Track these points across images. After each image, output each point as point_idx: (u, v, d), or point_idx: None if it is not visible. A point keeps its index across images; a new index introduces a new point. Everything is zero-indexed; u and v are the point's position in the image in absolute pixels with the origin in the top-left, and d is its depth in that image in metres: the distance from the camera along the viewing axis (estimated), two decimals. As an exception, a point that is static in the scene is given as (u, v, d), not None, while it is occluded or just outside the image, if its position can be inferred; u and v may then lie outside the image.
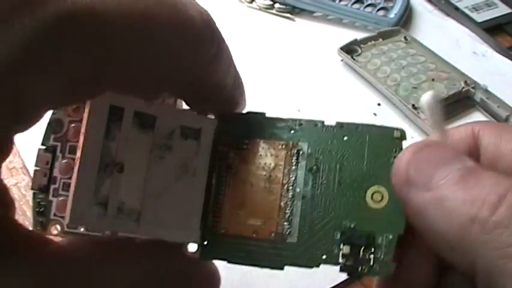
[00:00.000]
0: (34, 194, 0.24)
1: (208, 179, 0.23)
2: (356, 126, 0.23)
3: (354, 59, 0.51)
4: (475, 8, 0.59)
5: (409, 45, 0.53)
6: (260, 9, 0.58)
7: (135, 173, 0.22)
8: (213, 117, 0.24)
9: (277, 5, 0.58)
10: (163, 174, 0.23)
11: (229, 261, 0.22)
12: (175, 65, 0.20)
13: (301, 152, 0.23)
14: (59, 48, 0.17)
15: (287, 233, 0.22)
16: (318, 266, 0.22)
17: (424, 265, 0.20)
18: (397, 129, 0.22)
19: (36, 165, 0.24)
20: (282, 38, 0.55)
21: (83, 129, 0.21)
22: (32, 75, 0.17)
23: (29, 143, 0.45)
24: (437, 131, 0.21)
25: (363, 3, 0.57)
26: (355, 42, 0.53)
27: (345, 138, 0.23)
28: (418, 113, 0.46)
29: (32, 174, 0.24)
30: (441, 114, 0.20)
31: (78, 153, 0.21)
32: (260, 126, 0.24)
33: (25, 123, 0.18)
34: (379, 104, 0.49)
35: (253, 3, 0.58)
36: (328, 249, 0.22)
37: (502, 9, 0.59)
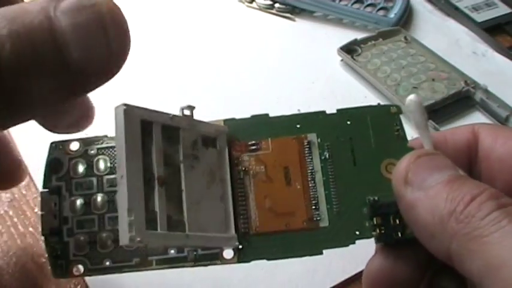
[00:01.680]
0: (46, 239, 0.24)
1: (231, 184, 0.24)
2: (356, 109, 0.25)
3: (354, 59, 0.51)
4: (475, 8, 0.59)
5: (409, 45, 0.53)
6: (260, 9, 0.58)
7: (173, 185, 0.22)
8: (222, 125, 0.25)
9: (277, 5, 0.58)
10: (197, 183, 0.23)
11: (268, 259, 0.23)
12: None
13: (312, 143, 0.24)
14: None
15: (318, 219, 0.23)
16: (354, 242, 0.23)
17: (410, 262, 0.23)
18: (392, 105, 0.25)
19: (41, 210, 0.24)
20: (282, 38, 0.55)
21: (121, 144, 0.21)
22: None
23: (29, 143, 0.45)
24: (419, 133, 0.23)
25: (363, 3, 0.57)
26: (355, 42, 0.53)
27: (348, 122, 0.24)
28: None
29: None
30: (424, 117, 0.23)
31: (121, 171, 0.20)
32: (266, 126, 0.25)
33: None
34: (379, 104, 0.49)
35: (253, 3, 0.58)
36: (360, 224, 0.23)
37: (502, 9, 0.59)
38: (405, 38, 0.54)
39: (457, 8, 0.59)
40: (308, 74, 0.51)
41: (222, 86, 0.49)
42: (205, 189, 0.23)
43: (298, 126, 0.25)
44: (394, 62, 0.51)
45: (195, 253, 0.23)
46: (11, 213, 0.39)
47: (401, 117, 0.25)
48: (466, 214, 0.19)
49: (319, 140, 0.24)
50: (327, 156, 0.24)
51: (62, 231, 0.24)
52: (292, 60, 0.52)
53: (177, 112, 0.24)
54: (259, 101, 0.48)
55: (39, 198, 0.24)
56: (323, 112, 0.25)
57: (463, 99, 0.48)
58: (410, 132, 0.24)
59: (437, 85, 0.49)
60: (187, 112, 0.24)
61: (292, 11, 0.58)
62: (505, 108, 0.47)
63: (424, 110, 0.23)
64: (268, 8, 0.58)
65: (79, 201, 0.24)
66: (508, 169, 0.23)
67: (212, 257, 0.23)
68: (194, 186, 0.23)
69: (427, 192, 0.20)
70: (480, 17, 0.58)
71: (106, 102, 0.26)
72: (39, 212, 0.24)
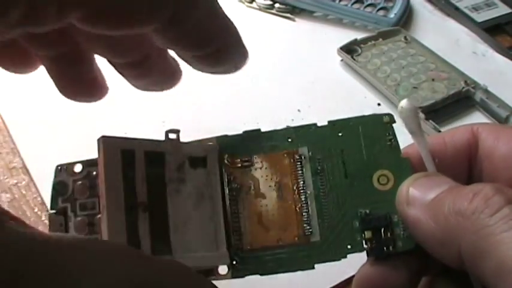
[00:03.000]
0: None
1: (223, 201, 0.24)
2: (348, 120, 0.24)
3: (354, 59, 0.51)
4: (475, 8, 0.59)
5: (409, 45, 0.53)
6: (260, 9, 0.58)
7: (159, 209, 0.23)
8: (213, 143, 0.25)
9: (277, 5, 0.58)
10: (182, 206, 0.23)
11: (261, 274, 0.23)
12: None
13: (303, 157, 0.24)
14: None
15: (309, 233, 0.23)
16: (345, 256, 0.23)
17: (401, 272, 0.22)
18: (385, 114, 0.24)
19: (50, 230, 0.24)
20: (282, 38, 0.55)
21: (101, 177, 0.21)
22: None
23: (29, 143, 0.45)
24: (414, 139, 0.23)
25: (363, 3, 0.57)
26: (355, 42, 0.53)
27: (340, 134, 0.24)
28: (418, 112, 0.45)
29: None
30: (417, 121, 0.23)
31: (103, 202, 0.21)
32: (257, 141, 0.25)
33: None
34: (379, 104, 0.49)
35: (253, 3, 0.58)
36: (351, 238, 0.23)
37: (502, 9, 0.59)
38: (405, 38, 0.54)
39: (457, 8, 0.59)
40: (308, 74, 0.51)
41: (222, 86, 0.49)
42: (192, 210, 0.24)
43: (289, 140, 0.24)
44: (394, 62, 0.51)
45: None
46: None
47: (398, 120, 0.24)
48: (472, 210, 0.19)
49: (310, 153, 0.24)
50: (318, 169, 0.24)
51: None
52: (292, 60, 0.52)
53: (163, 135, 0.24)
54: (259, 101, 0.48)
55: (46, 221, 0.25)
56: (314, 124, 0.24)
57: (463, 99, 0.48)
58: (408, 138, 0.24)
59: (437, 85, 0.49)
60: (172, 136, 0.24)
61: (292, 11, 0.58)
62: (505, 108, 0.47)
63: (417, 115, 0.23)
64: (268, 8, 0.58)
65: (83, 221, 0.24)
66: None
67: (207, 273, 0.23)
68: (180, 209, 0.23)
69: (429, 204, 0.20)
70: (480, 17, 0.58)
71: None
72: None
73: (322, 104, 0.48)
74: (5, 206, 0.39)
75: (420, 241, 0.21)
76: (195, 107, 0.47)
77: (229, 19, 0.23)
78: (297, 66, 0.52)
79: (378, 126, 0.24)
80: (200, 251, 0.23)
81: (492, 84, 0.48)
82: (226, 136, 0.25)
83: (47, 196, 0.37)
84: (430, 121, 0.45)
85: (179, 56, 0.23)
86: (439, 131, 0.44)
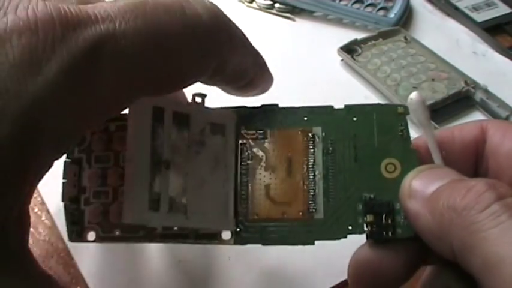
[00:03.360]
0: (65, 206, 0.25)
1: (235, 171, 0.25)
2: (363, 106, 0.25)
3: (354, 59, 0.51)
4: (475, 8, 0.59)
5: (409, 45, 0.53)
6: (260, 9, 0.58)
7: (178, 168, 0.24)
8: (232, 113, 0.26)
9: (277, 5, 0.58)
10: (201, 168, 0.24)
11: (263, 244, 0.24)
12: (193, 60, 0.22)
13: (316, 136, 0.25)
14: (96, 71, 0.19)
15: (313, 210, 0.24)
16: (345, 236, 0.23)
17: (397, 259, 0.23)
18: (400, 105, 0.25)
19: (64, 178, 0.25)
20: (282, 38, 0.55)
21: (130, 131, 0.22)
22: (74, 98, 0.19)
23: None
24: (423, 131, 0.23)
25: (363, 3, 0.57)
26: (355, 42, 0.53)
27: (354, 118, 0.25)
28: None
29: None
30: (427, 114, 0.23)
31: (130, 154, 0.22)
32: (275, 116, 0.26)
33: (67, 149, 0.21)
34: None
35: (253, 3, 0.58)
36: (353, 220, 0.23)
37: (502, 9, 0.59)
38: (405, 38, 0.54)
39: (457, 8, 0.59)
40: (308, 74, 0.51)
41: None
42: (209, 174, 0.24)
43: (305, 119, 0.25)
44: (394, 62, 0.51)
45: (191, 227, 0.24)
46: (10, 213, 0.39)
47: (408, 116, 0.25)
48: (463, 206, 0.19)
49: (323, 134, 0.25)
50: (330, 150, 0.24)
51: (79, 199, 0.25)
52: (292, 60, 0.52)
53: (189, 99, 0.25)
54: (259, 101, 0.48)
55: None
56: (331, 107, 0.25)
57: (463, 99, 0.48)
58: (418, 132, 0.24)
59: (437, 85, 0.49)
60: (198, 99, 0.25)
61: (292, 11, 0.58)
62: (505, 108, 0.47)
63: (426, 108, 0.23)
64: (268, 8, 0.58)
65: (97, 173, 0.25)
66: None
67: (211, 237, 0.24)
68: (198, 170, 0.24)
69: (428, 198, 0.21)
70: (480, 17, 0.58)
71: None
72: (63, 180, 0.25)
73: (322, 103, 0.48)
74: (5, 206, 0.39)
75: (419, 234, 0.21)
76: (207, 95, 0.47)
77: (256, 51, 0.26)
78: (297, 66, 0.52)
79: (391, 116, 0.24)
80: (210, 213, 0.24)
81: (492, 84, 0.48)
82: (245, 108, 0.26)
83: (47, 196, 0.37)
84: (430, 121, 0.45)
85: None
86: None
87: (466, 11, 0.58)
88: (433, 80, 0.49)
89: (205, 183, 0.24)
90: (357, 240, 0.24)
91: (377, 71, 0.50)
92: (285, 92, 0.51)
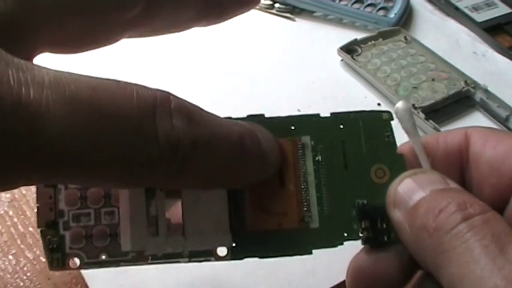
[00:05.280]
0: (42, 232, 0.23)
1: None
2: (349, 114, 0.25)
3: (354, 59, 0.51)
4: (475, 8, 0.59)
5: (409, 45, 0.53)
6: (260, 9, 0.58)
7: (172, 189, 0.23)
8: None
9: (277, 5, 0.58)
10: None
11: (260, 257, 0.24)
12: None
13: (305, 145, 0.24)
14: None
15: (309, 220, 0.24)
16: (342, 243, 0.24)
17: (393, 263, 0.23)
18: (385, 111, 0.25)
19: (38, 202, 0.24)
20: (282, 38, 0.55)
21: None
22: None
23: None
24: (410, 138, 0.24)
25: (363, 3, 0.57)
26: (355, 42, 0.53)
27: (341, 126, 0.25)
28: (418, 112, 0.46)
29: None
30: (412, 121, 0.23)
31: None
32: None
33: None
34: (379, 104, 0.49)
35: (253, 3, 0.58)
36: (348, 226, 0.24)
37: (502, 9, 0.59)
38: (405, 38, 0.54)
39: (457, 8, 0.59)
40: (308, 74, 0.51)
41: (222, 86, 0.49)
42: (202, 190, 0.24)
43: (292, 128, 0.25)
44: (394, 62, 0.51)
45: (189, 249, 0.23)
46: (11, 213, 0.39)
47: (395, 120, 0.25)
48: (434, 228, 0.19)
49: (312, 142, 0.24)
50: (320, 159, 0.24)
51: (58, 224, 0.23)
52: (292, 60, 0.52)
53: None
54: (259, 101, 0.48)
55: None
56: (317, 115, 0.25)
57: (463, 99, 0.48)
58: (405, 137, 0.24)
59: (437, 85, 0.49)
60: None
61: (292, 11, 0.58)
62: (505, 108, 0.47)
63: (412, 116, 0.24)
64: (268, 8, 0.58)
65: (75, 195, 0.24)
66: (496, 173, 0.22)
67: (206, 254, 0.24)
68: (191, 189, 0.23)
69: (409, 211, 0.21)
70: (480, 17, 0.58)
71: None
72: (37, 204, 0.24)
73: (322, 104, 0.48)
74: (5, 206, 0.39)
75: (403, 243, 0.22)
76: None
77: None
78: (297, 66, 0.52)
79: (377, 122, 0.25)
80: (207, 230, 0.23)
81: (492, 84, 0.48)
82: (230, 119, 0.25)
83: (47, 196, 0.37)
84: (430, 121, 0.45)
85: None
86: (439, 131, 0.44)
87: (466, 11, 0.58)
88: (433, 80, 0.49)
89: (199, 201, 0.23)
90: (356, 242, 0.24)
91: (377, 71, 0.50)
92: (284, 92, 0.51)
